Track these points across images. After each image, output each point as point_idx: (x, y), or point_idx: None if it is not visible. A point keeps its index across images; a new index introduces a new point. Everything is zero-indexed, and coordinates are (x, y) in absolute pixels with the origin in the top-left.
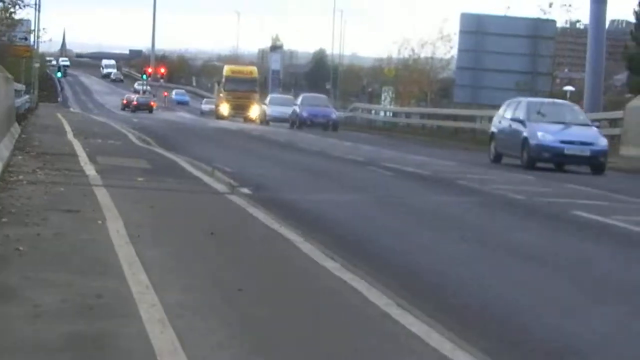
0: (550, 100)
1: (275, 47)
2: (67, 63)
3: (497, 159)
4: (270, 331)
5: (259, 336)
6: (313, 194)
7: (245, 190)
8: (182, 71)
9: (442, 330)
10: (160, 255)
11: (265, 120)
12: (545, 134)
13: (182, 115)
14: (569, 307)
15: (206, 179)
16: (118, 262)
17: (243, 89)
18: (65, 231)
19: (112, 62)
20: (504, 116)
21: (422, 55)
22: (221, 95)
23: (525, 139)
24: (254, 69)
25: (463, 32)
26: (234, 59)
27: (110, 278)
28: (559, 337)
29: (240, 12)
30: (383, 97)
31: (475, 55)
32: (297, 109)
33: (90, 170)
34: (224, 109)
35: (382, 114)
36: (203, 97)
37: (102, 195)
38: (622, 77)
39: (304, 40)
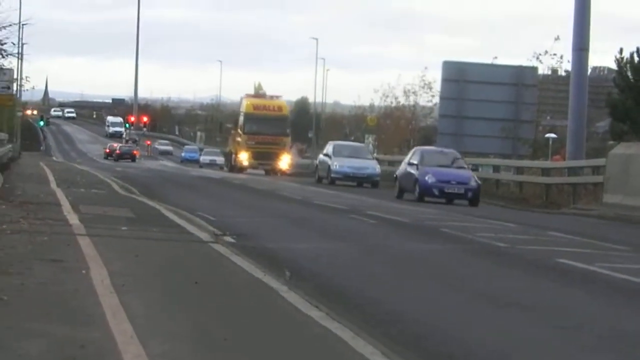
0: None
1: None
2: (74, 115)
3: None
4: None
5: None
6: (297, 243)
7: (229, 239)
8: (164, 120)
9: None
10: (145, 305)
11: (328, 177)
12: None
13: (166, 164)
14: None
15: (190, 227)
16: (102, 311)
17: (270, 131)
18: (49, 281)
19: (119, 119)
20: None
21: (405, 102)
22: (239, 139)
23: None
24: (283, 103)
25: (445, 80)
26: (216, 107)
27: (94, 328)
28: None
29: (222, 60)
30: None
31: (457, 103)
32: (414, 171)
33: (73, 219)
34: (244, 157)
35: None
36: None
37: (86, 245)
38: (604, 124)
39: (286, 88)
